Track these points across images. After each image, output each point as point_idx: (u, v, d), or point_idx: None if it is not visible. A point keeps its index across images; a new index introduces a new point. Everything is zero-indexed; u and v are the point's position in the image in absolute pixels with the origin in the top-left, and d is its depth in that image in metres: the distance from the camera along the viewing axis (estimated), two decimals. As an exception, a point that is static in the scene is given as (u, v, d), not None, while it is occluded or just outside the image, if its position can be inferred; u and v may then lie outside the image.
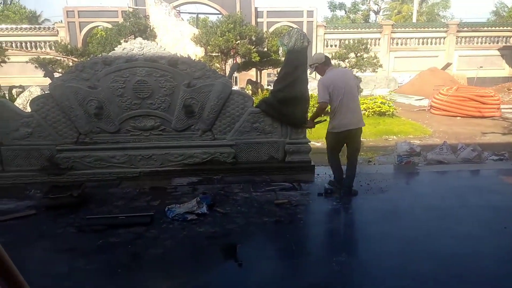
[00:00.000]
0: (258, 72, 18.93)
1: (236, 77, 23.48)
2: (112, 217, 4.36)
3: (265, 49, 17.22)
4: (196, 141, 5.81)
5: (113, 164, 5.73)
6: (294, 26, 22.89)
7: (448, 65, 22.90)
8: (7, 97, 14.86)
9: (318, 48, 23.99)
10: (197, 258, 3.55)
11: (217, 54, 14.92)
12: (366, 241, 3.88)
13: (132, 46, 5.49)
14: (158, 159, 5.77)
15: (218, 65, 15.11)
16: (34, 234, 4.05)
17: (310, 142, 6.00)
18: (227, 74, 16.23)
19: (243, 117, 5.82)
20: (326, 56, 5.13)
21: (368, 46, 15.47)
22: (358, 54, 14.26)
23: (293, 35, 5.51)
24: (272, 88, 6.28)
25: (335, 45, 24.13)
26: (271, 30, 22.76)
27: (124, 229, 4.08)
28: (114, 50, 5.65)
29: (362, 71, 14.31)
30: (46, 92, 5.96)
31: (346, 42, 19.82)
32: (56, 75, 12.44)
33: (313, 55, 5.28)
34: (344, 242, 3.86)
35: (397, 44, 25.30)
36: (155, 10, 17.44)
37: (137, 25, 14.76)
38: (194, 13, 27.35)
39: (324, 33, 24.63)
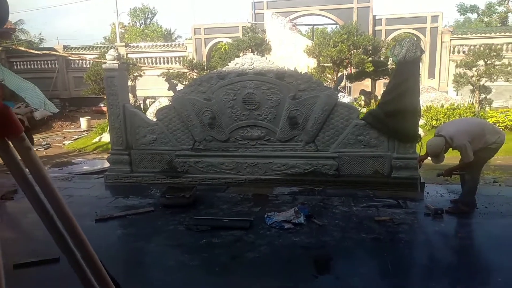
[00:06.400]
0: (373, 82, 18.29)
1: (350, 87, 22.99)
2: (216, 219, 4.72)
3: (381, 58, 16.57)
4: (299, 152, 5.93)
5: (222, 170, 6.18)
6: (416, 33, 21.56)
7: None
8: (142, 107, 17.10)
9: (442, 55, 22.13)
10: (289, 267, 3.63)
11: (329, 64, 14.89)
12: (474, 270, 3.49)
13: (244, 61, 5.89)
14: (262, 167, 6.04)
15: (330, 76, 15.06)
16: (150, 229, 4.61)
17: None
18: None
19: (347, 129, 5.75)
20: (438, 140, 4.59)
21: (504, 52, 13.70)
22: (488, 62, 12.74)
23: (405, 45, 5.27)
24: (381, 99, 6.06)
25: (463, 52, 21.96)
26: (390, 38, 21.79)
27: (225, 232, 4.38)
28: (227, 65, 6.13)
29: (493, 80, 12.74)
30: (169, 103, 6.73)
31: (477, 48, 17.90)
32: (180, 87, 13.86)
33: (429, 145, 4.64)
34: (448, 269, 3.52)
35: (541, 49, 21.83)
36: (271, 24, 18.20)
37: (254, 39, 15.60)
38: (311, 25, 27.66)
39: (451, 39, 22.59)
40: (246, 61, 5.91)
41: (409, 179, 5.55)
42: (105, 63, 6.43)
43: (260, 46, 15.63)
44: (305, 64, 15.78)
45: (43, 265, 3.63)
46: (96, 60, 13.83)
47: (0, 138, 0.72)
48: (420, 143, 5.59)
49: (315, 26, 27.52)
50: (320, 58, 14.45)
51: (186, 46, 24.30)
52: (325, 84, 12.57)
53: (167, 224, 4.67)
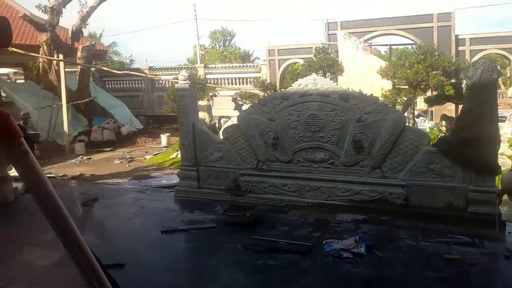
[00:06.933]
0: (456, 106, 17.06)
1: (432, 112, 21.70)
2: (273, 241, 4.70)
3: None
4: (364, 177, 5.71)
5: (284, 191, 6.16)
6: (505, 53, 19.88)
7: None
8: (217, 126, 17.78)
9: (538, 77, 20.07)
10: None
11: (405, 86, 14.23)
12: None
13: (307, 82, 5.90)
14: (325, 191, 5.91)
15: (405, 98, 14.36)
16: (210, 245, 4.74)
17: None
18: (416, 108, 15.25)
19: (417, 156, 5.42)
20: None
21: None
22: None
23: (479, 66, 4.90)
24: (454, 125, 5.66)
25: None
26: (475, 59, 20.31)
27: (282, 254, 4.34)
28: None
29: None
30: (235, 123, 6.93)
31: None
32: (245, 107, 14.16)
33: (504, 180, 4.45)
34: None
35: None
36: (343, 44, 17.99)
37: (326, 60, 15.50)
38: (388, 45, 26.86)
39: (548, 60, 20.42)
40: (310, 82, 5.90)
41: (487, 215, 5.01)
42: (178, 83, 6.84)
43: (332, 67, 15.48)
44: (379, 86, 15.29)
45: (109, 270, 3.88)
46: (171, 80, 14.74)
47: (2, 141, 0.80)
48: (500, 175, 5.09)
49: (393, 47, 26.61)
50: (395, 80, 13.88)
51: (260, 67, 24.91)
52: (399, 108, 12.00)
53: (226, 241, 4.76)
